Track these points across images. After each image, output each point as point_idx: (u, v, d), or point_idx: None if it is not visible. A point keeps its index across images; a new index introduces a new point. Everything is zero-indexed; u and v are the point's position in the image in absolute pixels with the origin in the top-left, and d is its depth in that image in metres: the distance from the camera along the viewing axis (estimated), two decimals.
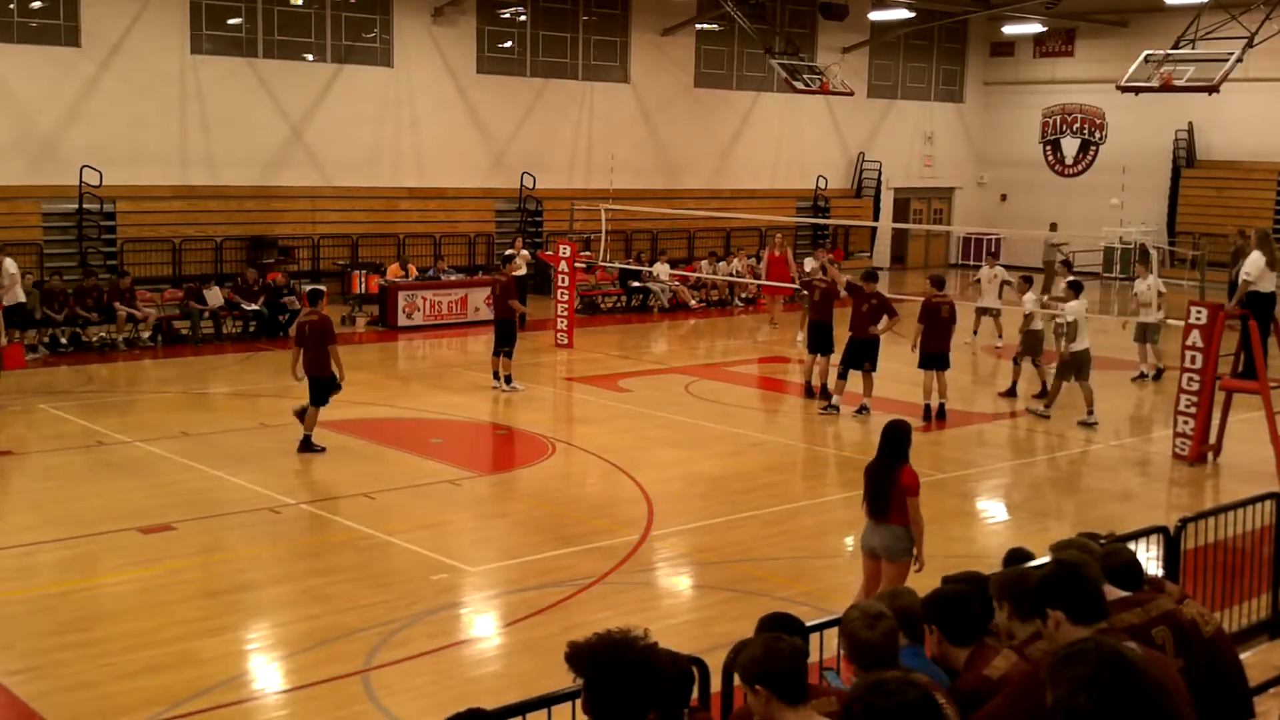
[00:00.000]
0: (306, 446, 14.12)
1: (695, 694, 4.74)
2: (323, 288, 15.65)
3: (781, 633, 4.60)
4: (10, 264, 19.48)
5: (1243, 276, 14.43)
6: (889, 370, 17.15)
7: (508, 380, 17.77)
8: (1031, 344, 17.52)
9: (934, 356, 16.14)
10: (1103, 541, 5.84)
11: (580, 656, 3.63)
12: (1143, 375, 19.25)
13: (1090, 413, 16.12)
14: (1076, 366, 16.17)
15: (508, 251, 23.56)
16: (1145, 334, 18.97)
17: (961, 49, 38.71)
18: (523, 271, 23.70)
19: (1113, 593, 4.86)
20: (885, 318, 16.42)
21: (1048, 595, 4.37)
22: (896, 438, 8.62)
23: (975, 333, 21.99)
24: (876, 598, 5.05)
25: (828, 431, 16.27)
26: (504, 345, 17.80)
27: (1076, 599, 4.30)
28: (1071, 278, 17.99)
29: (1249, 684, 5.30)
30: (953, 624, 4.71)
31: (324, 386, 14.13)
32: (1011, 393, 17.95)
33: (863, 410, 16.36)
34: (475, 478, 13.64)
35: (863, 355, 16.41)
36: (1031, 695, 3.48)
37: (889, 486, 8.50)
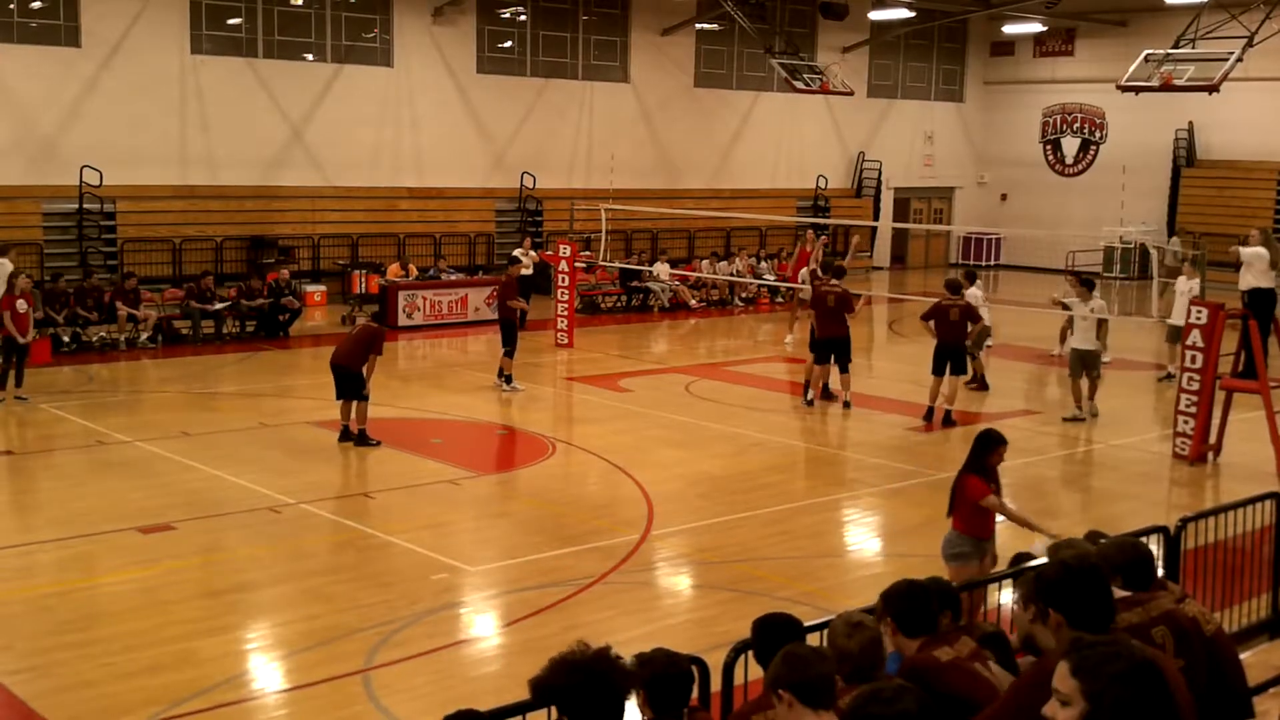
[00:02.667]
0: (363, 440, 14.35)
1: (695, 694, 4.73)
2: (375, 307, 15.69)
3: (778, 634, 4.62)
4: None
5: (1246, 261, 14.32)
6: (893, 370, 17.15)
7: (508, 380, 17.78)
8: (1081, 360, 16.58)
9: (943, 360, 16.11)
10: (1102, 542, 5.82)
11: (544, 690, 3.74)
12: (1170, 376, 19.08)
13: (1080, 407, 16.42)
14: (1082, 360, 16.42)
15: (515, 252, 23.69)
16: (1179, 335, 17.37)
17: (961, 49, 38.69)
18: (529, 271, 23.70)
19: (1114, 592, 4.84)
20: (845, 315, 16.66)
21: (1050, 596, 4.37)
22: (974, 445, 8.65)
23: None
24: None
25: (829, 431, 16.28)
26: (504, 345, 17.81)
27: (1077, 605, 4.29)
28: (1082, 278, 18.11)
29: (1249, 684, 5.29)
30: (904, 616, 4.79)
31: (352, 380, 14.30)
32: (982, 385, 18.20)
33: (845, 404, 16.80)
34: (475, 478, 13.63)
35: (833, 352, 16.72)
36: (1040, 694, 3.48)
37: (956, 491, 8.63)
